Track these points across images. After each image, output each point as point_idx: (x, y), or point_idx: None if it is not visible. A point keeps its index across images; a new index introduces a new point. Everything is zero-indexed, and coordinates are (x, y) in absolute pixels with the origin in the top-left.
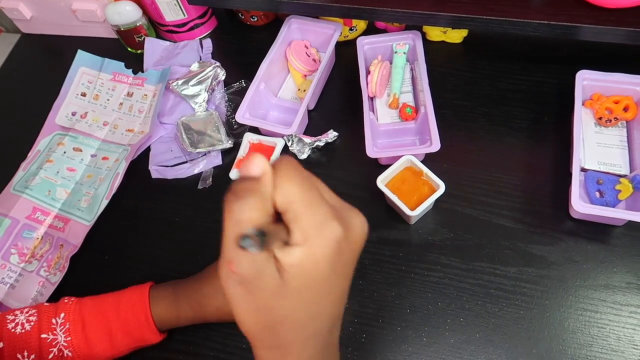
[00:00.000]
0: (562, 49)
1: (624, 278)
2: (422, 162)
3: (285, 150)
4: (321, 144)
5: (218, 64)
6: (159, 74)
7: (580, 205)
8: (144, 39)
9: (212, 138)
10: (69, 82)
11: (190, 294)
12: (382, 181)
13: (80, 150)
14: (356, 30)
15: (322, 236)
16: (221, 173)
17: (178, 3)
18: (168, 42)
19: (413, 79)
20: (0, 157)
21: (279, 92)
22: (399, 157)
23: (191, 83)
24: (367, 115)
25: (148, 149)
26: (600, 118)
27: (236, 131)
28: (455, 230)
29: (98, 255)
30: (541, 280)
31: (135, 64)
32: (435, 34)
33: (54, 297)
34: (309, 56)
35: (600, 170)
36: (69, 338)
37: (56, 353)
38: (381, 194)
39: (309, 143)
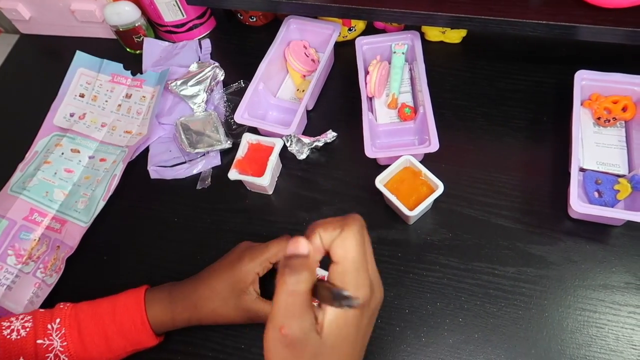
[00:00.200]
0: (561, 49)
1: (623, 278)
2: (420, 162)
3: (284, 150)
4: (320, 144)
5: (217, 64)
6: (158, 75)
7: (579, 205)
8: (143, 39)
9: (211, 138)
10: (67, 83)
11: (186, 296)
12: (380, 181)
13: (78, 152)
14: (355, 30)
15: (351, 319)
16: (220, 173)
17: (177, 3)
18: (167, 43)
19: (412, 79)
20: None
21: (277, 93)
22: (397, 157)
23: (190, 83)
24: (365, 115)
25: (147, 150)
26: (598, 118)
27: (235, 131)
28: (454, 230)
29: (96, 256)
30: (540, 280)
31: (134, 64)
32: (434, 34)
33: (50, 299)
34: (307, 56)
35: (598, 170)
36: (65, 343)
37: (52, 358)
38: (380, 194)
39: (308, 143)
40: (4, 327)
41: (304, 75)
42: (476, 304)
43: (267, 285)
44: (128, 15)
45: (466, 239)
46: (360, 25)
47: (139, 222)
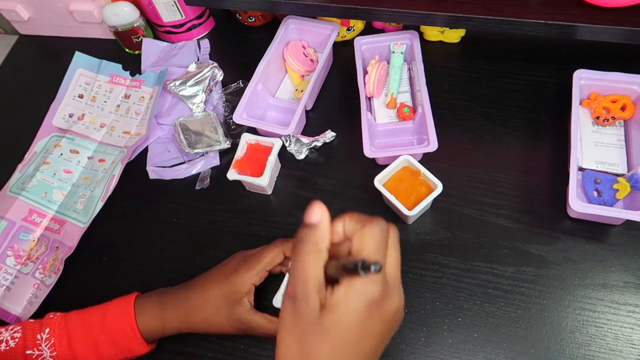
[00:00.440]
0: (560, 48)
1: (622, 277)
2: (419, 161)
3: (283, 150)
4: (319, 144)
5: (215, 64)
6: (156, 76)
7: (578, 204)
8: (142, 39)
9: (210, 139)
10: (66, 83)
11: (178, 304)
12: (379, 181)
13: (77, 152)
14: (354, 30)
15: (361, 289)
16: (219, 174)
17: (175, 4)
18: (165, 43)
19: (410, 78)
20: None
21: (276, 93)
22: (396, 157)
23: (189, 84)
24: (364, 115)
25: (146, 150)
26: (597, 117)
27: (234, 132)
28: (453, 230)
29: (95, 257)
30: (539, 279)
31: (133, 64)
32: (433, 33)
33: (49, 299)
34: (306, 56)
35: (597, 170)
36: (54, 353)
37: None
38: (379, 193)
39: (307, 143)
40: None
41: (303, 75)
42: (475, 303)
43: (262, 299)
44: (127, 15)
45: (465, 239)
46: (359, 25)
47: (137, 222)
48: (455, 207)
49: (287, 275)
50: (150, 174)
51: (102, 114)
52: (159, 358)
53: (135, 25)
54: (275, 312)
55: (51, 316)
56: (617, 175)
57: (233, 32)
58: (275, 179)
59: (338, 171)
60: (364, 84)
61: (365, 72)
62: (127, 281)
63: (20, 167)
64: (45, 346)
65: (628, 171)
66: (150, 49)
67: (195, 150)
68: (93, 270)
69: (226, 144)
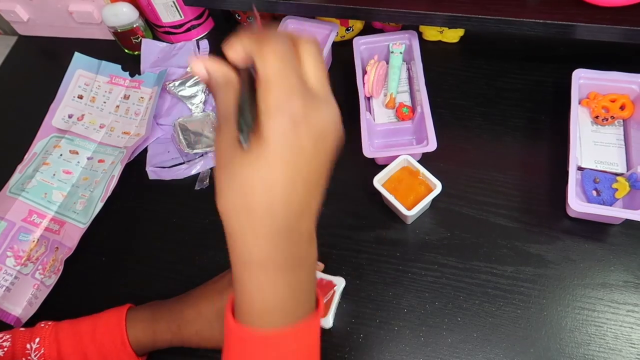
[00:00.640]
0: (559, 47)
1: (621, 276)
2: (418, 161)
3: None
4: None
5: None
6: (156, 76)
7: (577, 204)
8: (141, 40)
9: (209, 139)
10: (65, 84)
11: (170, 317)
12: (378, 181)
13: (77, 153)
14: (352, 30)
15: (279, 107)
16: None
17: (174, 4)
18: (165, 44)
19: (410, 78)
20: None
21: None
22: (395, 157)
23: (188, 84)
24: (363, 115)
25: (145, 150)
26: (596, 117)
27: None
28: (452, 229)
29: (95, 257)
30: (538, 279)
31: (132, 65)
32: (432, 33)
33: (49, 300)
34: None
35: (597, 169)
36: None
37: None
38: (378, 193)
39: None
40: None
41: None
42: (475, 303)
43: None
44: (126, 16)
45: (464, 238)
46: (357, 25)
47: (137, 222)
48: (454, 206)
49: None
50: (150, 174)
51: (101, 114)
52: (157, 358)
53: (134, 25)
54: None
55: (42, 325)
56: (616, 174)
57: (232, 33)
58: None
59: (337, 171)
60: (363, 83)
61: (365, 72)
62: (126, 281)
63: (19, 167)
64: (35, 356)
65: (627, 170)
66: (150, 50)
67: (195, 151)
68: (93, 271)
69: None
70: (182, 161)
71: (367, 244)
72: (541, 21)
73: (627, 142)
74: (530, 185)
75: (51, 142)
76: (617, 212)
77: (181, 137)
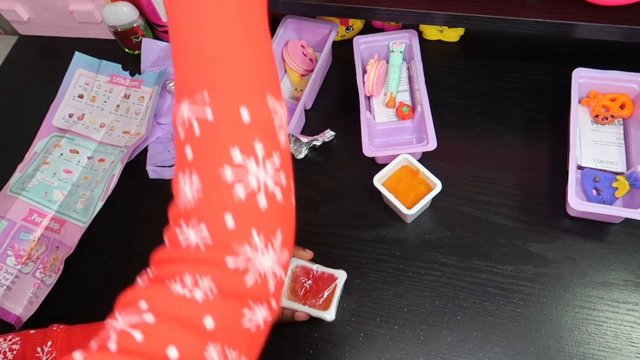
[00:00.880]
0: (559, 47)
1: (621, 275)
2: (419, 160)
3: None
4: (318, 143)
5: None
6: (156, 76)
7: (577, 203)
8: (141, 39)
9: None
10: (66, 83)
11: None
12: (378, 180)
13: (77, 152)
14: (353, 29)
15: None
16: None
17: None
18: (165, 43)
19: (410, 77)
20: None
21: None
22: (395, 156)
23: None
24: (364, 114)
25: (145, 150)
26: (596, 116)
27: None
28: (452, 228)
29: (95, 256)
30: (538, 278)
31: (133, 64)
32: (432, 32)
33: (49, 299)
34: (305, 56)
35: (597, 168)
36: None
37: None
38: (378, 192)
39: (306, 142)
40: None
41: (302, 75)
42: (475, 302)
43: None
44: (126, 15)
45: (464, 237)
46: (358, 24)
47: (137, 221)
48: (454, 205)
49: (287, 275)
50: (150, 173)
51: (101, 114)
52: None
53: (134, 25)
54: None
55: (54, 328)
56: (616, 173)
57: None
58: None
59: (337, 170)
60: (363, 83)
61: (365, 71)
62: (127, 281)
63: (20, 167)
64: (46, 359)
65: (627, 169)
66: (150, 49)
67: None
68: (93, 270)
69: None
70: None
71: (367, 243)
72: (541, 20)
73: (627, 141)
74: (530, 184)
75: (52, 141)
76: (617, 211)
77: None
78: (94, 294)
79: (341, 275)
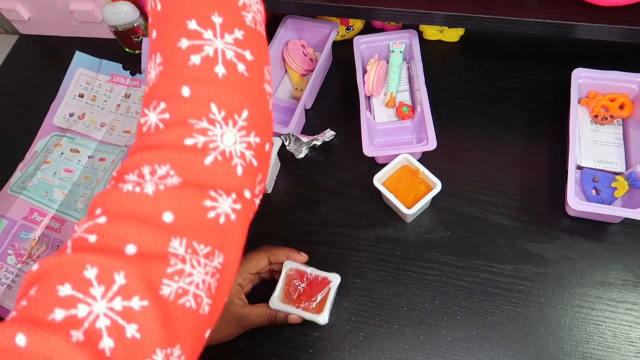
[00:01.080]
0: (558, 47)
1: (620, 275)
2: (418, 160)
3: (283, 149)
4: (318, 143)
5: None
6: None
7: (576, 202)
8: (142, 39)
9: None
10: (66, 83)
11: None
12: (378, 180)
13: (78, 152)
14: (353, 29)
15: None
16: None
17: None
18: None
19: (410, 77)
20: None
21: (276, 92)
22: (395, 156)
23: None
24: (364, 114)
25: None
26: (596, 116)
27: None
28: (452, 228)
29: None
30: (538, 277)
31: (133, 64)
32: (432, 32)
33: None
34: (305, 55)
35: (596, 168)
36: None
37: None
38: (378, 192)
39: (306, 142)
40: None
41: (302, 75)
42: (474, 301)
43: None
44: (127, 15)
45: (464, 237)
46: (358, 24)
47: None
48: (454, 205)
49: (282, 278)
50: None
51: (102, 113)
52: None
53: (135, 24)
54: None
55: None
56: (616, 173)
57: None
58: (275, 178)
59: (337, 170)
60: (363, 83)
61: (365, 71)
62: None
63: (20, 166)
64: None
65: (626, 169)
66: None
67: None
68: None
69: None
70: None
71: (367, 242)
72: (541, 20)
73: (626, 141)
74: (529, 184)
75: (52, 140)
76: (616, 211)
77: None
78: None
79: (335, 279)
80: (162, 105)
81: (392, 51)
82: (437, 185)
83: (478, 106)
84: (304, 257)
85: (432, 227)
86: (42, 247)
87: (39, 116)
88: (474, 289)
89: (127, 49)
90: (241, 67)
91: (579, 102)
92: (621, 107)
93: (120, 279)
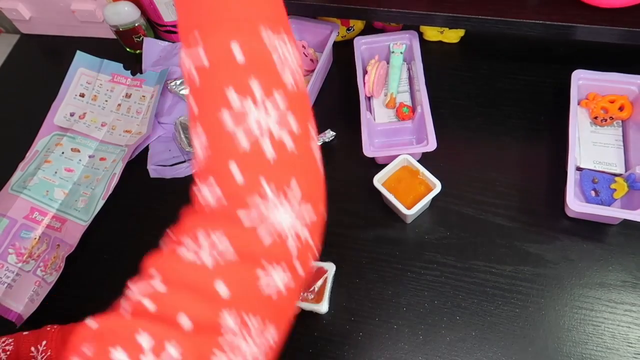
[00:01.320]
0: (558, 48)
1: (619, 276)
2: (418, 161)
3: None
4: (318, 143)
5: None
6: (157, 75)
7: (575, 204)
8: (143, 39)
9: None
10: (67, 82)
11: None
12: (378, 180)
13: (79, 151)
14: (353, 30)
15: None
16: None
17: None
18: (166, 42)
19: (410, 78)
20: None
21: None
22: (395, 157)
23: None
24: (364, 114)
25: (146, 149)
26: (595, 117)
27: None
28: (451, 229)
29: (96, 255)
30: (537, 278)
31: (134, 64)
32: (432, 33)
33: (50, 297)
34: (306, 56)
35: (595, 169)
36: None
37: None
38: (378, 193)
39: None
40: None
41: (303, 75)
42: (473, 302)
43: None
44: (128, 15)
45: (463, 238)
46: (358, 25)
47: (138, 220)
48: (453, 206)
49: None
50: (151, 172)
51: (103, 112)
52: None
53: (136, 24)
54: None
55: (48, 329)
56: (615, 175)
57: None
58: None
59: (337, 170)
60: (364, 83)
61: (365, 72)
62: (127, 279)
63: (21, 165)
64: (42, 358)
65: (625, 171)
66: (151, 49)
67: None
68: (94, 268)
69: None
70: (183, 159)
71: (366, 242)
72: (541, 22)
73: (625, 143)
74: (529, 185)
75: (53, 140)
76: (615, 212)
77: (182, 135)
78: (95, 292)
79: (330, 268)
80: (213, 182)
81: (393, 52)
82: (437, 186)
83: (478, 107)
84: None
85: (431, 228)
86: (43, 246)
87: (39, 116)
88: (474, 290)
89: (128, 49)
90: (290, 145)
91: (578, 104)
92: (621, 108)
93: (172, 351)
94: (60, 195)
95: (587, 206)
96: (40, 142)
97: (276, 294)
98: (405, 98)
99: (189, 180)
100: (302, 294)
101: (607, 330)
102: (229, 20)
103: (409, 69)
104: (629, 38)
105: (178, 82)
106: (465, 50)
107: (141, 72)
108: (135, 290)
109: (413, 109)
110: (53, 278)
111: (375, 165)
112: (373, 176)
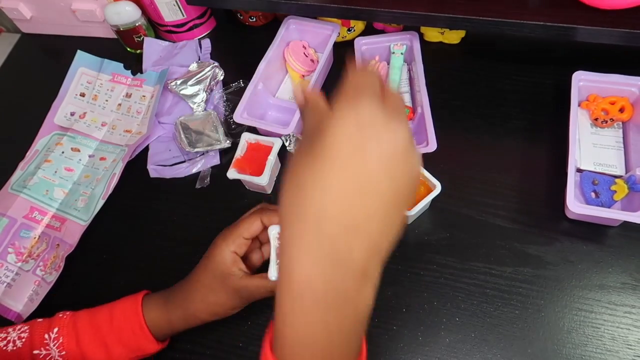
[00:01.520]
0: (559, 50)
1: (619, 278)
2: None
3: (283, 150)
4: None
5: (216, 64)
6: (158, 75)
7: (575, 205)
8: (143, 39)
9: (210, 138)
10: (68, 82)
11: (178, 294)
12: None
13: (79, 151)
14: (354, 30)
15: (345, 111)
16: (219, 173)
17: (177, 3)
18: (167, 42)
19: (410, 79)
20: None
21: (277, 92)
22: None
23: (190, 83)
24: None
25: (147, 149)
26: (596, 119)
27: (234, 131)
28: (451, 230)
29: (96, 255)
30: (536, 280)
31: (135, 63)
32: (433, 34)
33: (50, 297)
34: (307, 56)
35: (595, 171)
36: (63, 352)
37: None
38: None
39: None
40: (0, 339)
41: (303, 75)
42: (473, 303)
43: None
44: (128, 15)
45: (463, 239)
46: (359, 25)
47: (138, 220)
48: (453, 207)
49: (272, 246)
50: (151, 172)
51: (103, 112)
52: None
53: (136, 24)
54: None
55: (60, 315)
56: (615, 176)
57: (234, 32)
58: (275, 179)
59: None
60: None
61: None
62: (127, 279)
63: (21, 165)
64: (54, 345)
65: (626, 173)
66: (152, 48)
67: (196, 149)
68: (94, 268)
69: (226, 143)
70: (183, 160)
71: None
72: (542, 23)
73: (626, 145)
74: (529, 186)
75: (53, 139)
76: (615, 214)
77: (182, 135)
78: (95, 291)
79: None
80: None
81: (393, 53)
82: (437, 187)
83: (478, 108)
84: None
85: (431, 229)
86: (42, 245)
87: (40, 115)
88: (473, 291)
89: (128, 49)
90: None
91: (579, 105)
92: (621, 110)
93: None
94: (60, 195)
95: (587, 208)
96: (40, 142)
97: None
98: (405, 99)
99: (188, 180)
100: None
101: (606, 332)
102: None
103: (409, 70)
104: (629, 40)
105: (178, 81)
106: (466, 51)
107: (141, 72)
108: None
109: (413, 110)
110: (53, 278)
111: None
112: None
